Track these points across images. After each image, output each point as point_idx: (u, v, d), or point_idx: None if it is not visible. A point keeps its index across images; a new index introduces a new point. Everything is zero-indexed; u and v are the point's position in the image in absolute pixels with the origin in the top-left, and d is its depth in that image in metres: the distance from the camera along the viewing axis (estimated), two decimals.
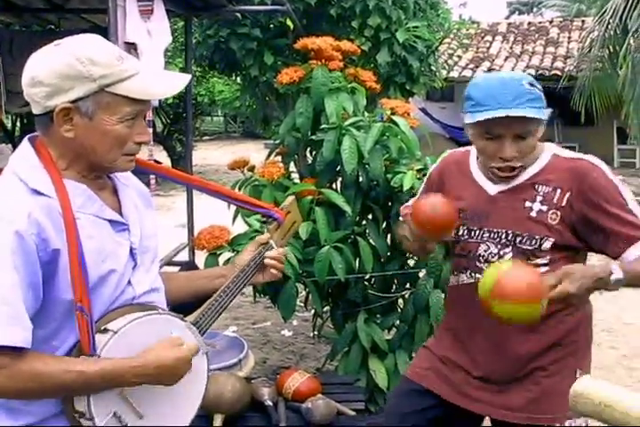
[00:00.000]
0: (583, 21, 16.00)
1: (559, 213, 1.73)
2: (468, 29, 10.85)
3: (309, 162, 3.14)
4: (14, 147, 5.45)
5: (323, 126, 2.84)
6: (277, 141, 3.12)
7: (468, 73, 13.51)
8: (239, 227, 2.81)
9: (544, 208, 1.74)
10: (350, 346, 2.92)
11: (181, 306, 1.55)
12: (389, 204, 2.92)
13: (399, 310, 3.05)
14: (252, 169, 2.97)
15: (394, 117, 2.82)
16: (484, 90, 1.73)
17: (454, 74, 13.61)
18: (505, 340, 1.79)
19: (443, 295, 2.82)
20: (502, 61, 14.12)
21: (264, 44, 5.31)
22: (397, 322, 2.99)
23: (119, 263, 1.33)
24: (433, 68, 6.11)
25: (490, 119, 1.68)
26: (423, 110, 13.15)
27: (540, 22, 17.47)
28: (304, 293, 3.24)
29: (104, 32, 3.07)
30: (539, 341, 1.79)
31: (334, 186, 3.03)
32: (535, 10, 33.09)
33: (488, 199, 1.82)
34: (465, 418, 1.90)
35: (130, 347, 1.28)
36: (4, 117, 8.32)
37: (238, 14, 5.06)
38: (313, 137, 2.93)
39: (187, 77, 1.37)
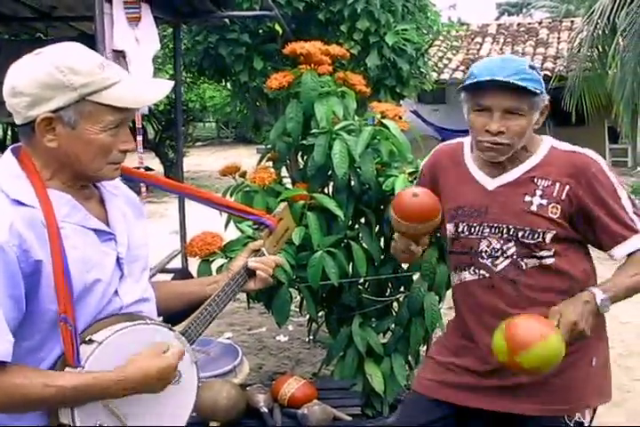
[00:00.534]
0: (572, 22, 16.09)
1: (559, 206, 1.75)
2: (457, 31, 10.89)
3: (301, 167, 3.13)
4: None
5: (313, 131, 2.83)
6: (268, 147, 3.11)
7: (458, 75, 13.56)
8: (232, 233, 2.80)
9: (544, 202, 1.76)
10: (346, 350, 2.90)
11: (174, 315, 1.54)
12: (382, 207, 2.91)
13: (394, 313, 3.04)
14: (243, 175, 2.96)
15: (384, 121, 2.80)
16: (483, 64, 1.77)
17: (445, 76, 13.66)
18: None
19: (437, 298, 2.82)
20: None
21: (253, 49, 5.31)
22: (392, 325, 2.98)
23: (105, 273, 1.31)
24: (423, 70, 6.11)
25: (479, 89, 1.70)
26: (415, 113, 13.17)
27: (529, 23, 17.58)
28: (298, 298, 3.23)
29: (92, 40, 3.07)
30: None
31: (326, 190, 3.02)
32: (524, 11, 33.25)
33: (487, 194, 1.82)
34: (480, 421, 1.89)
35: (115, 358, 1.26)
36: None
37: (227, 20, 5.07)
38: (304, 142, 2.91)
39: (170, 84, 1.35)
